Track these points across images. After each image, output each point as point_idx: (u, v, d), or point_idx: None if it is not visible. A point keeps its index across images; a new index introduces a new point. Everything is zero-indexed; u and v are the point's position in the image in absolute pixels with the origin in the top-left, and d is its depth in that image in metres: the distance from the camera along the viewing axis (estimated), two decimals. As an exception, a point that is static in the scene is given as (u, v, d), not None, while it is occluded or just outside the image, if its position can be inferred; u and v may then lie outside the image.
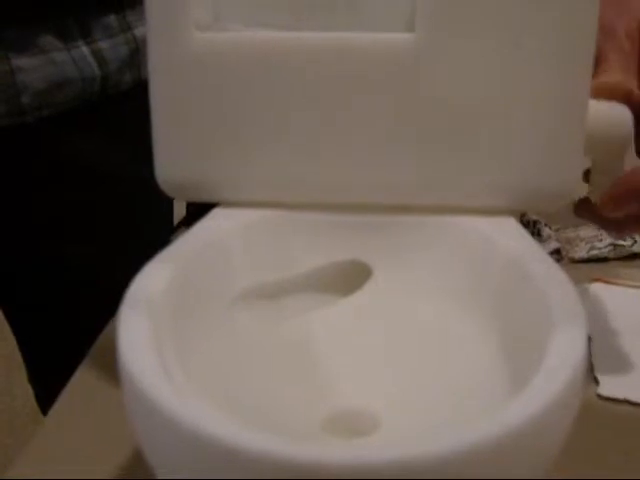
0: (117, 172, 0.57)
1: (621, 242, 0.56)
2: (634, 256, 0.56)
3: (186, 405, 0.19)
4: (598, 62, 0.30)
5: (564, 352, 0.20)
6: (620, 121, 0.32)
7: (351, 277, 0.32)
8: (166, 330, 0.24)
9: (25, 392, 0.73)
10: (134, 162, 0.48)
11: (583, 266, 0.55)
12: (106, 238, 0.59)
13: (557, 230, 0.59)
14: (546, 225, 0.58)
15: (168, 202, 0.65)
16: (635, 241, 0.56)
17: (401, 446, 0.17)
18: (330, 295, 0.32)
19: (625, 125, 0.32)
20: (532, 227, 0.58)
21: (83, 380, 0.43)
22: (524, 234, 0.29)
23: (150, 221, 0.58)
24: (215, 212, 0.32)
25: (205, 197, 0.33)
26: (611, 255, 0.56)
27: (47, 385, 0.46)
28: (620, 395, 0.41)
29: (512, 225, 0.30)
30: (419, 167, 0.31)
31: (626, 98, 0.33)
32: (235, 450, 0.18)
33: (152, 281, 0.25)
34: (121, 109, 0.56)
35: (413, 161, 0.31)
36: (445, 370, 0.27)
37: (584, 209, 0.34)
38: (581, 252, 0.56)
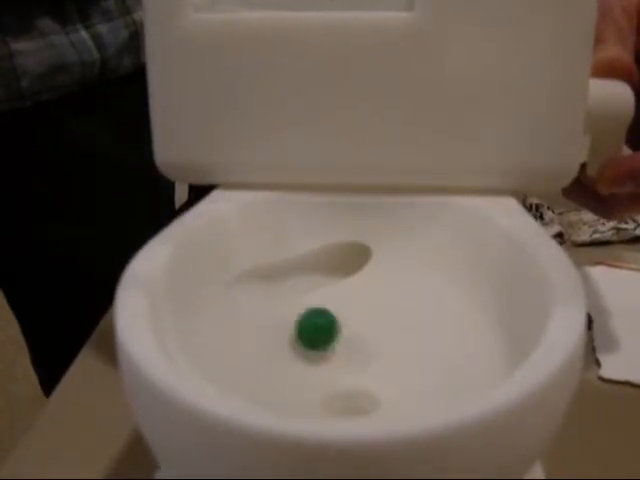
0: (117, 156, 0.57)
1: (624, 225, 0.56)
2: (637, 239, 0.56)
3: (184, 383, 0.19)
4: (595, 40, 0.30)
5: (563, 329, 0.20)
6: (621, 99, 0.32)
7: (350, 258, 0.32)
8: (164, 309, 0.24)
9: (29, 376, 0.73)
10: (134, 146, 0.48)
11: (586, 249, 0.55)
12: (107, 222, 0.59)
13: (560, 214, 0.59)
14: (549, 208, 0.58)
15: (169, 186, 0.65)
16: (638, 224, 0.56)
17: (402, 422, 0.17)
18: (329, 276, 0.32)
19: (626, 103, 0.32)
20: (534, 210, 0.57)
21: (85, 363, 0.43)
22: (524, 214, 0.29)
23: (151, 205, 0.58)
24: (214, 194, 0.32)
25: (204, 179, 0.32)
26: (614, 238, 0.56)
27: (51, 369, 0.47)
28: (622, 377, 0.41)
29: (512, 205, 0.30)
30: (418, 147, 0.30)
31: (626, 75, 0.32)
32: (236, 428, 0.18)
33: (150, 261, 0.25)
34: (120, 93, 0.56)
35: (412, 141, 0.30)
36: (445, 349, 0.27)
37: (573, 189, 0.34)
38: (584, 236, 0.56)
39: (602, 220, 0.57)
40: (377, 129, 0.30)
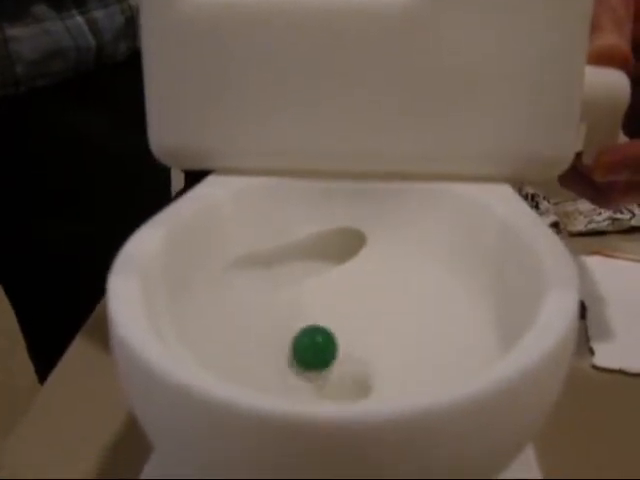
0: (114, 144, 0.57)
1: (620, 216, 0.56)
2: (633, 229, 0.56)
3: (178, 365, 0.19)
4: (591, 28, 0.30)
5: (556, 313, 0.20)
6: (617, 87, 0.32)
7: (345, 244, 0.32)
8: (157, 293, 0.24)
9: (25, 366, 0.73)
10: (130, 133, 0.47)
11: (581, 239, 0.55)
12: (103, 209, 0.59)
13: (556, 204, 0.59)
14: (544, 198, 0.58)
15: (165, 173, 0.65)
16: (634, 214, 0.56)
17: (394, 402, 0.17)
18: (324, 262, 0.32)
19: (622, 91, 0.32)
20: (530, 200, 0.58)
21: (80, 348, 0.43)
22: (519, 200, 0.29)
23: (147, 192, 0.58)
24: (209, 179, 0.31)
25: (199, 164, 0.32)
26: (610, 229, 0.56)
27: (47, 359, 0.47)
28: (615, 366, 0.41)
29: (507, 192, 0.30)
30: (414, 133, 0.30)
31: (623, 63, 0.32)
32: (230, 410, 0.18)
33: (144, 245, 0.25)
34: (116, 80, 0.56)
35: (408, 127, 0.30)
36: (440, 332, 0.27)
37: (570, 177, 0.34)
38: (579, 225, 0.56)
39: (598, 210, 0.57)
40: (373, 115, 0.30)
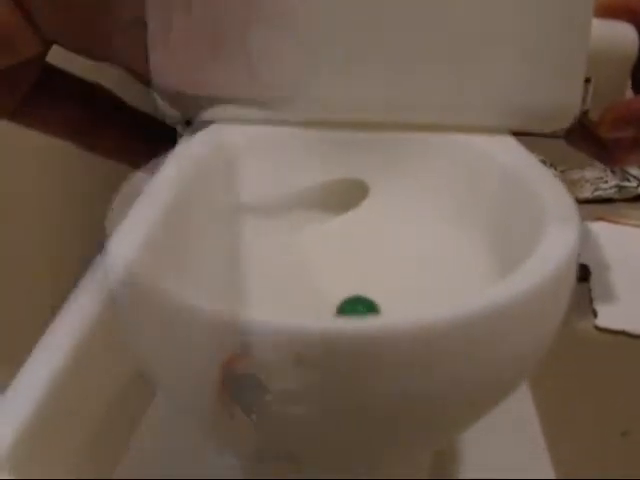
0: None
1: (626, 183, 0.56)
2: (639, 197, 0.56)
3: (170, 281, 0.19)
4: None
5: (556, 243, 0.20)
6: (625, 40, 0.31)
7: (348, 195, 0.32)
8: (158, 225, 0.23)
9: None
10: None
11: (587, 206, 0.55)
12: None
13: (562, 171, 0.58)
14: (551, 166, 0.58)
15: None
16: (641, 182, 0.56)
17: (397, 317, 0.17)
18: (327, 212, 0.32)
19: (630, 44, 0.31)
20: (537, 167, 0.57)
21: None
22: (523, 150, 0.29)
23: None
24: (212, 127, 0.31)
25: (202, 115, 0.32)
26: (616, 196, 0.56)
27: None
28: (618, 327, 0.41)
29: (511, 142, 0.30)
30: (417, 83, 0.30)
31: (631, 17, 0.32)
32: (228, 323, 0.18)
33: (151, 177, 0.25)
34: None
35: (411, 77, 0.30)
36: (442, 274, 0.27)
37: (576, 135, 0.34)
38: (586, 193, 0.56)
39: (605, 178, 0.56)
40: (376, 66, 0.30)
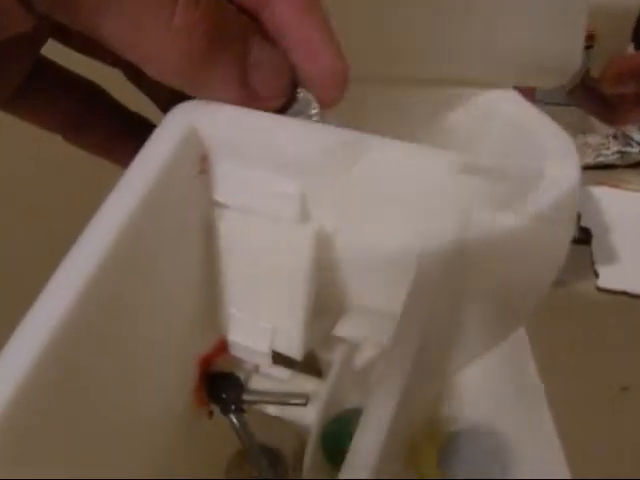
0: None
1: (628, 149, 0.56)
2: (641, 163, 0.56)
3: None
4: None
5: (559, 174, 0.20)
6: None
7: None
8: None
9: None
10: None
11: (589, 172, 0.55)
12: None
13: (564, 138, 0.58)
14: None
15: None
16: (643, 149, 0.56)
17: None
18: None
19: (633, -2, 0.31)
20: (539, 134, 0.57)
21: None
22: (524, 102, 0.29)
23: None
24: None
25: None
26: (618, 162, 0.56)
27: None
28: (619, 287, 0.42)
29: (514, 95, 0.30)
30: (420, 36, 0.30)
31: None
32: None
33: None
34: None
35: (413, 30, 0.30)
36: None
37: (579, 92, 0.34)
38: (588, 159, 0.56)
39: (607, 144, 0.56)
40: (380, 15, 0.30)
